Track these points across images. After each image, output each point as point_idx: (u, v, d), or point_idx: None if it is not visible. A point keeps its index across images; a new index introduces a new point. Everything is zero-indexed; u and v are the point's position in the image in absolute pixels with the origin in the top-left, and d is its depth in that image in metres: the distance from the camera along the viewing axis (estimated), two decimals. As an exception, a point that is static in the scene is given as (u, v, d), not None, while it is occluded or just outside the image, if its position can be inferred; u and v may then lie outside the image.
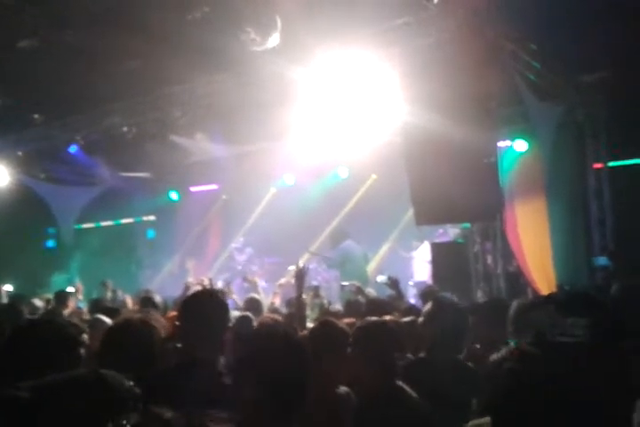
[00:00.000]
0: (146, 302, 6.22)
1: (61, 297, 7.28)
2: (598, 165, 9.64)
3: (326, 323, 3.49)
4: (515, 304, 3.40)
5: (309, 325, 4.97)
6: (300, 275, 4.98)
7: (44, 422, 1.26)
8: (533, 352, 1.42)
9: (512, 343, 1.53)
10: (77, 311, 7.02)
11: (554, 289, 8.67)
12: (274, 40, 6.95)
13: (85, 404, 1.29)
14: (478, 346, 3.79)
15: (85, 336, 3.21)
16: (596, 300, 1.57)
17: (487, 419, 1.57)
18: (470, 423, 1.70)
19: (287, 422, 2.13)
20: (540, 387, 1.36)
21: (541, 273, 9.32)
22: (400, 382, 3.13)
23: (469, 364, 3.50)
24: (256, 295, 6.67)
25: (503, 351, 1.56)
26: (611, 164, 9.60)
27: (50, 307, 7.16)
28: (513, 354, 1.47)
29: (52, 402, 1.27)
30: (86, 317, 5.69)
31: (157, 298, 6.48)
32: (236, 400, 2.15)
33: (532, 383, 1.38)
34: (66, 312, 6.81)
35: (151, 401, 1.61)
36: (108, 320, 4.32)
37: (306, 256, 11.34)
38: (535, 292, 9.02)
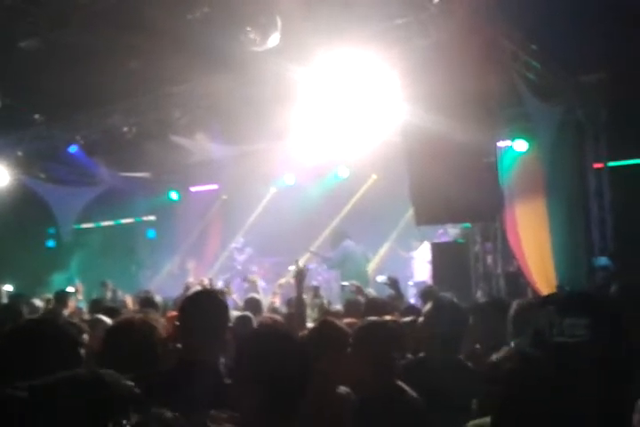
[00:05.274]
0: (145, 302, 6.23)
1: (61, 297, 7.28)
2: (598, 165, 9.65)
3: (326, 323, 3.48)
4: (514, 304, 3.41)
5: (310, 325, 4.97)
6: (300, 275, 4.97)
7: (42, 422, 1.25)
8: (533, 353, 1.43)
9: (512, 344, 1.53)
10: (77, 311, 7.03)
11: (554, 289, 8.67)
12: (274, 40, 6.95)
13: (83, 403, 1.28)
14: (478, 346, 3.78)
15: (86, 336, 3.21)
16: (595, 300, 1.57)
17: (487, 420, 1.57)
18: (470, 424, 1.69)
19: (286, 422, 2.13)
20: (540, 387, 1.36)
21: (541, 273, 9.32)
22: (400, 383, 3.13)
23: (469, 364, 3.50)
24: (256, 295, 6.67)
25: (502, 352, 1.56)
26: (611, 164, 9.60)
27: (50, 307, 7.16)
28: (512, 355, 1.47)
29: (50, 402, 1.26)
30: (86, 317, 5.69)
31: (157, 298, 6.49)
32: (235, 400, 2.15)
33: (531, 384, 1.38)
34: (66, 312, 6.81)
35: (152, 402, 1.61)
36: (108, 320, 4.31)
37: (306, 256, 11.34)
38: (535, 292, 9.02)
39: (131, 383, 1.43)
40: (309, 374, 2.25)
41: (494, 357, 1.64)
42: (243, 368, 2.22)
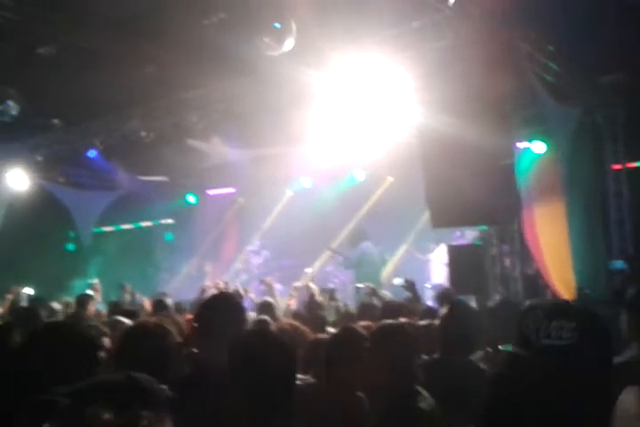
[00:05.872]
0: (158, 304, 6.29)
1: (82, 300, 7.34)
2: (617, 167, 9.56)
3: (348, 329, 3.49)
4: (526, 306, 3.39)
5: (328, 328, 4.98)
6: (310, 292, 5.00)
7: None
8: (519, 356, 1.43)
9: (502, 348, 1.53)
10: (97, 313, 7.08)
11: (573, 292, 8.61)
12: (289, 44, 6.98)
13: (122, 408, 1.29)
14: (490, 349, 3.78)
15: (107, 339, 3.24)
16: (581, 305, 1.57)
17: None
18: None
19: (270, 421, 2.18)
20: (528, 390, 1.36)
21: (560, 276, 9.25)
22: (418, 387, 3.12)
23: (483, 366, 3.49)
24: (269, 299, 6.67)
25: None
26: (630, 165, 9.51)
27: (69, 310, 7.22)
28: (499, 358, 1.48)
29: (91, 407, 1.28)
30: (105, 319, 5.73)
31: (169, 301, 6.54)
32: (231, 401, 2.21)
33: (518, 387, 1.38)
34: (87, 315, 6.86)
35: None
36: (127, 321, 4.35)
37: (326, 254, 11.36)
38: (554, 294, 8.95)
39: (164, 387, 1.45)
40: (292, 376, 2.30)
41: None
42: (230, 370, 2.29)
